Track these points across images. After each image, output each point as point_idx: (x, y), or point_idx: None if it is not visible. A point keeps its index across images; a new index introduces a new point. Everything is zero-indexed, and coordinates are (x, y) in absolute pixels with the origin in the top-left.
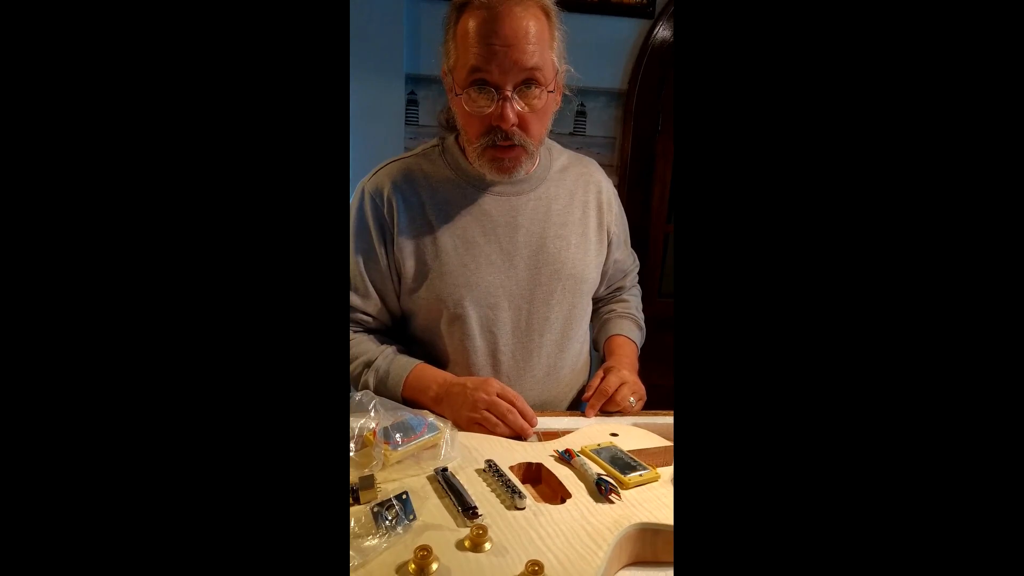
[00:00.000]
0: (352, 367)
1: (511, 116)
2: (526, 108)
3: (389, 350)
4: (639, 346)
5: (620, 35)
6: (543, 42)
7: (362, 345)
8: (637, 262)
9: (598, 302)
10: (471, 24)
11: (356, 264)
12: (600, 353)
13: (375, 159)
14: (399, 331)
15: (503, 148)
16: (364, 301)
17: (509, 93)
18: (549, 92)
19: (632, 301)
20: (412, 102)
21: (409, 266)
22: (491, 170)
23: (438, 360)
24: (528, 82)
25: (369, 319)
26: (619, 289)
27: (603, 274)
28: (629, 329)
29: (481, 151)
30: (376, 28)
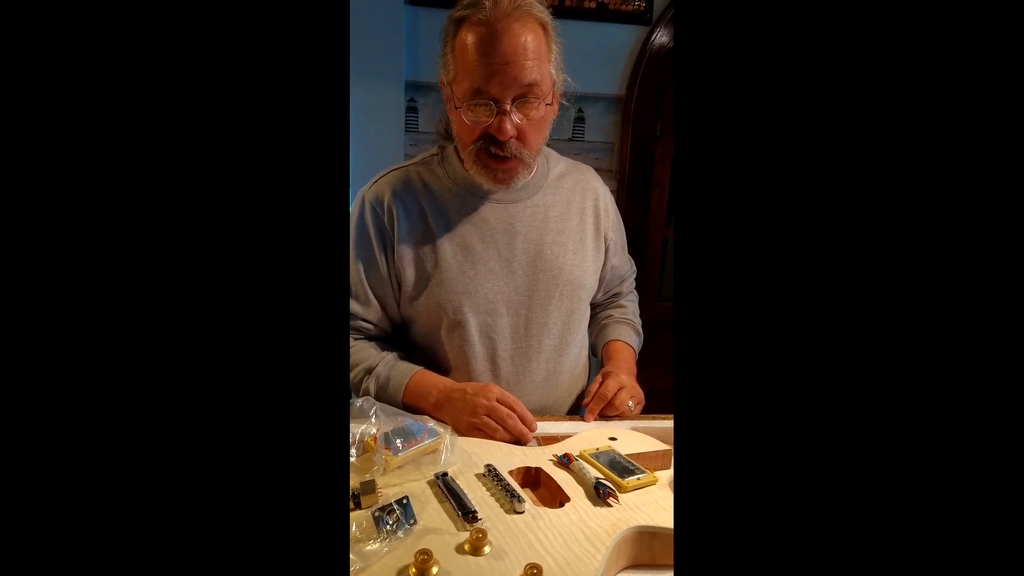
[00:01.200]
0: (353, 374)
1: (509, 129)
2: (524, 120)
3: (390, 356)
4: (637, 351)
5: (618, 41)
6: (541, 56)
7: (363, 352)
8: (634, 268)
9: (596, 308)
10: (470, 39)
11: (356, 272)
12: (598, 358)
13: (375, 166)
14: (399, 338)
15: (498, 159)
16: (364, 308)
17: (508, 107)
18: (547, 105)
19: (629, 306)
20: (411, 109)
21: (409, 274)
22: (486, 179)
23: (438, 366)
24: (526, 95)
25: (369, 326)
26: (616, 295)
27: (600, 280)
28: (627, 334)
29: (475, 155)
30: (375, 35)
